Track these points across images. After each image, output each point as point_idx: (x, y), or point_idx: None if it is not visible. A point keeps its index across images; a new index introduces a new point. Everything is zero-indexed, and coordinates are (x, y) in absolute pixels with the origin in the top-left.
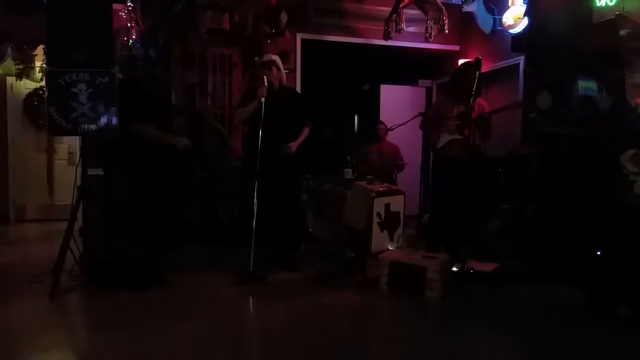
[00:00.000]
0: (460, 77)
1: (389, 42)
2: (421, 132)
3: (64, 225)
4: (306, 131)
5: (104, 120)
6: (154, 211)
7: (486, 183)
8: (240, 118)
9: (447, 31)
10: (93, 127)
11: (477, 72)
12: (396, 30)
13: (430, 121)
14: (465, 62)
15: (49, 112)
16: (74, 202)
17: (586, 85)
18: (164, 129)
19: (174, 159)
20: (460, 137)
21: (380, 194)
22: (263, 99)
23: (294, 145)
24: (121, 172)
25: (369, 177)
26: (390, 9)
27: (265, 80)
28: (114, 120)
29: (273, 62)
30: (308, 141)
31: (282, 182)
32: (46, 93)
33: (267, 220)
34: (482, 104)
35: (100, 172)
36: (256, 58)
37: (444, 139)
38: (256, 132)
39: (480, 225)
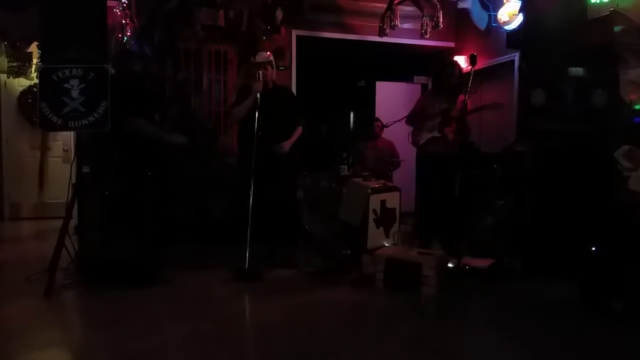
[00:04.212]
0: (440, 75)
1: (385, 39)
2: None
3: (59, 223)
4: (299, 130)
5: (95, 115)
6: (146, 207)
7: (478, 179)
8: (237, 116)
9: (441, 27)
10: (84, 122)
11: (457, 70)
12: (390, 27)
13: (415, 117)
14: (445, 61)
15: (40, 108)
16: (68, 199)
17: (581, 82)
18: (156, 124)
19: (166, 155)
20: (439, 135)
21: (376, 191)
22: (258, 94)
23: (287, 144)
24: (113, 168)
25: (364, 173)
26: (385, 6)
27: (260, 75)
28: (105, 116)
29: (269, 62)
30: (303, 138)
31: (276, 179)
32: (38, 89)
33: (262, 218)
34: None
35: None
36: (252, 58)
37: (425, 136)
38: (250, 129)
39: (474, 222)
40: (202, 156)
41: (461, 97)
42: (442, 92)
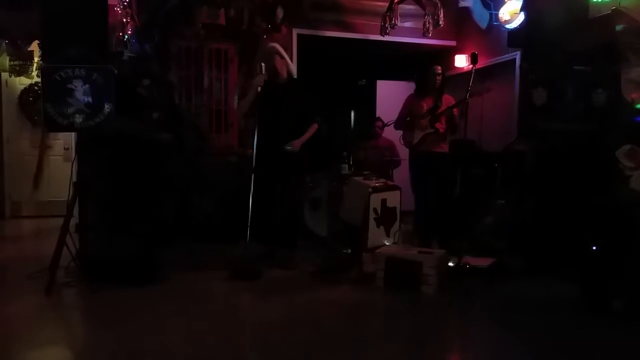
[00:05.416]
0: (425, 74)
1: (386, 38)
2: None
3: (59, 221)
4: (314, 128)
5: (100, 116)
6: (142, 206)
7: (479, 178)
8: (242, 110)
9: (442, 25)
10: (90, 123)
11: (440, 69)
12: (391, 26)
13: (403, 120)
14: (430, 61)
15: (45, 109)
16: (69, 198)
17: (582, 81)
18: (151, 123)
19: (155, 153)
20: (432, 130)
21: (377, 190)
22: (260, 88)
23: (298, 143)
24: (107, 168)
25: (365, 172)
26: (386, 4)
27: (263, 67)
28: (111, 117)
29: (274, 50)
30: (313, 138)
31: (283, 179)
32: (42, 89)
33: (265, 217)
34: (449, 99)
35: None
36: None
37: (418, 135)
38: (260, 125)
39: (475, 221)
40: (191, 155)
41: (446, 96)
42: (427, 92)
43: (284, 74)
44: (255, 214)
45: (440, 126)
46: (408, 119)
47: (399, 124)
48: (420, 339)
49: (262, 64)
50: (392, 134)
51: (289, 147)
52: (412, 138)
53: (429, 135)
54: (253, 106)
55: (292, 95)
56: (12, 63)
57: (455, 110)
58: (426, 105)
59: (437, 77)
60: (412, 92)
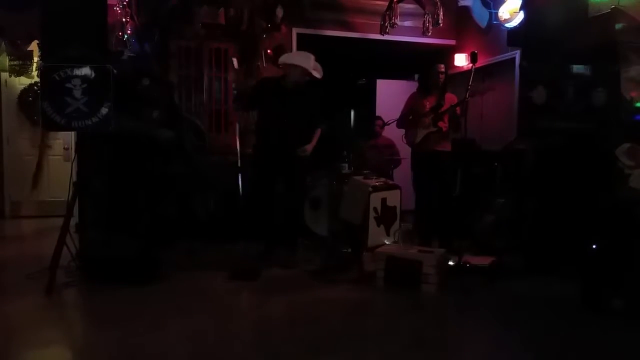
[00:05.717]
0: (428, 73)
1: (386, 37)
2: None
3: (59, 221)
4: (318, 133)
5: (98, 116)
6: (142, 205)
7: (479, 177)
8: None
9: (441, 24)
10: (88, 122)
11: (444, 68)
12: (390, 25)
13: (406, 118)
14: (430, 60)
15: (42, 108)
16: (69, 198)
17: (582, 80)
18: (151, 121)
19: (154, 151)
20: (435, 129)
21: (377, 189)
22: (234, 85)
23: (309, 147)
24: (110, 166)
25: (365, 172)
26: (386, 3)
27: (235, 62)
28: (109, 116)
29: (317, 70)
30: (317, 142)
31: (285, 179)
32: (40, 88)
33: (266, 217)
34: (452, 97)
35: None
36: (285, 55)
37: (421, 133)
38: (261, 127)
39: (475, 220)
40: (191, 155)
41: (449, 95)
42: (430, 91)
43: (294, 83)
44: (256, 213)
45: (443, 125)
46: (411, 117)
47: (401, 122)
48: (420, 337)
49: (234, 59)
50: (392, 133)
51: (302, 153)
52: (414, 137)
53: (431, 133)
54: (239, 104)
55: (304, 100)
56: (11, 63)
57: (458, 109)
58: (429, 103)
59: (441, 76)
60: (415, 90)
